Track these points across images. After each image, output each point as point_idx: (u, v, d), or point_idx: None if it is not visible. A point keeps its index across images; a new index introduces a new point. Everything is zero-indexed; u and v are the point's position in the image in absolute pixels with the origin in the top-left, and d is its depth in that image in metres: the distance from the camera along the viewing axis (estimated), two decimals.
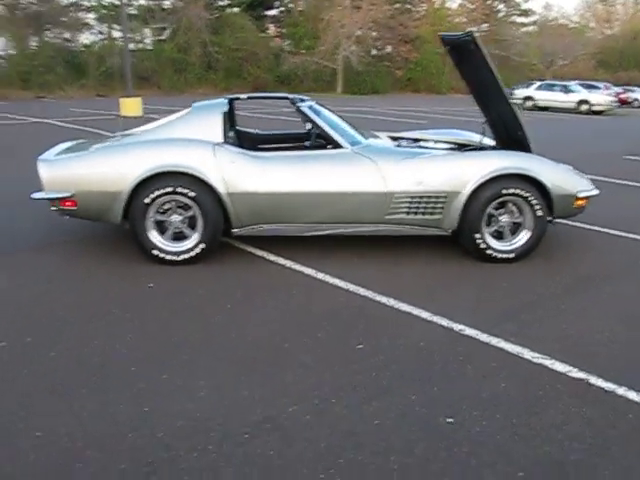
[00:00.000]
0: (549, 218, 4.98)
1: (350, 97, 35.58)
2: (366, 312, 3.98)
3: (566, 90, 26.79)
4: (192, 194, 4.63)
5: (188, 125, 4.93)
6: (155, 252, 4.75)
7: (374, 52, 42.99)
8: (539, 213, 4.82)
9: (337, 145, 4.82)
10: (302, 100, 5.27)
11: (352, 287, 4.37)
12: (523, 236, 4.92)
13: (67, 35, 34.51)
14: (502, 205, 4.88)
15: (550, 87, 27.76)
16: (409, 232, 4.89)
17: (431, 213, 4.79)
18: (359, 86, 39.50)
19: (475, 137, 6.02)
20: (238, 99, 5.54)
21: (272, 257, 4.99)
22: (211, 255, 4.88)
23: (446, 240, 5.14)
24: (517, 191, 4.74)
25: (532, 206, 4.80)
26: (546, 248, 5.32)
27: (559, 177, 4.95)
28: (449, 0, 51.81)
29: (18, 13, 33.12)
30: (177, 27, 36.47)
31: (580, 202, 5.03)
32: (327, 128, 4.86)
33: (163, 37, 38.30)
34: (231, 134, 5.65)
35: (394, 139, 5.87)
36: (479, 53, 4.97)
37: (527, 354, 3.43)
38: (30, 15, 33.15)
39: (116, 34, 36.41)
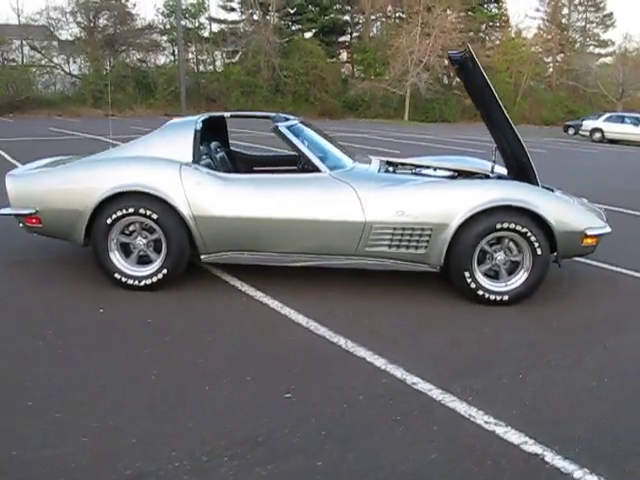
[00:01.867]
0: (554, 258, 4.46)
1: (416, 124, 35.02)
2: (315, 355, 3.54)
3: (638, 122, 25.41)
4: (155, 216, 4.34)
5: (159, 143, 4.66)
6: (117, 276, 4.46)
7: (444, 80, 42.39)
8: (539, 252, 4.27)
9: (314, 168, 4.43)
10: (286, 119, 4.91)
11: (313, 325, 3.94)
12: (520, 277, 4.37)
13: (140, 56, 35.51)
14: (499, 241, 4.36)
15: (620, 119, 26.32)
16: (393, 267, 4.42)
17: (415, 247, 4.32)
18: (427, 114, 38.90)
19: (487, 165, 5.51)
20: (222, 117, 5.24)
21: (245, 287, 4.61)
22: (180, 281, 4.57)
23: (439, 276, 4.65)
24: (513, 226, 4.22)
25: (531, 243, 4.26)
26: (556, 290, 4.76)
27: (564, 212, 4.39)
28: (525, 29, 50.83)
29: (96, 35, 34.39)
30: (246, 50, 37.00)
31: (589, 240, 4.44)
32: (304, 150, 4.47)
33: (234, 60, 38.98)
34: (220, 154, 5.37)
35: (393, 164, 5.43)
36: (478, 70, 4.51)
37: (480, 418, 2.91)
38: (107, 37, 34.36)
39: (188, 55, 37.35)
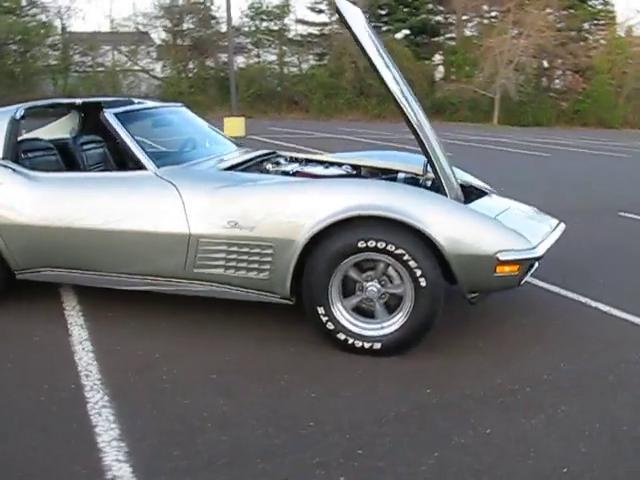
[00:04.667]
0: (473, 295, 3.28)
1: (505, 128, 32.96)
2: (40, 420, 2.58)
3: None
4: None
5: None
6: None
7: (541, 82, 39.93)
8: (422, 282, 3.08)
9: (139, 165, 3.47)
10: (129, 103, 3.96)
11: (89, 370, 2.98)
12: (399, 317, 3.20)
13: (224, 58, 35.56)
14: (375, 266, 3.22)
15: None
16: (234, 296, 3.38)
17: (257, 270, 3.26)
18: (519, 117, 36.56)
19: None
20: (73, 105, 4.37)
21: (74, 311, 3.73)
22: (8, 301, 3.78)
23: None
24: (383, 245, 3.06)
25: (411, 271, 3.09)
26: (464, 332, 3.56)
27: (465, 228, 3.14)
28: (636, 26, 47.03)
29: (181, 38, 34.82)
30: (330, 52, 36.36)
31: (505, 268, 3.14)
32: (128, 141, 3.50)
33: (323, 62, 38.37)
34: (97, 150, 4.51)
35: (298, 161, 4.37)
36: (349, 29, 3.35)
37: None
38: (192, 40, 34.67)
39: (271, 57, 37.16)
